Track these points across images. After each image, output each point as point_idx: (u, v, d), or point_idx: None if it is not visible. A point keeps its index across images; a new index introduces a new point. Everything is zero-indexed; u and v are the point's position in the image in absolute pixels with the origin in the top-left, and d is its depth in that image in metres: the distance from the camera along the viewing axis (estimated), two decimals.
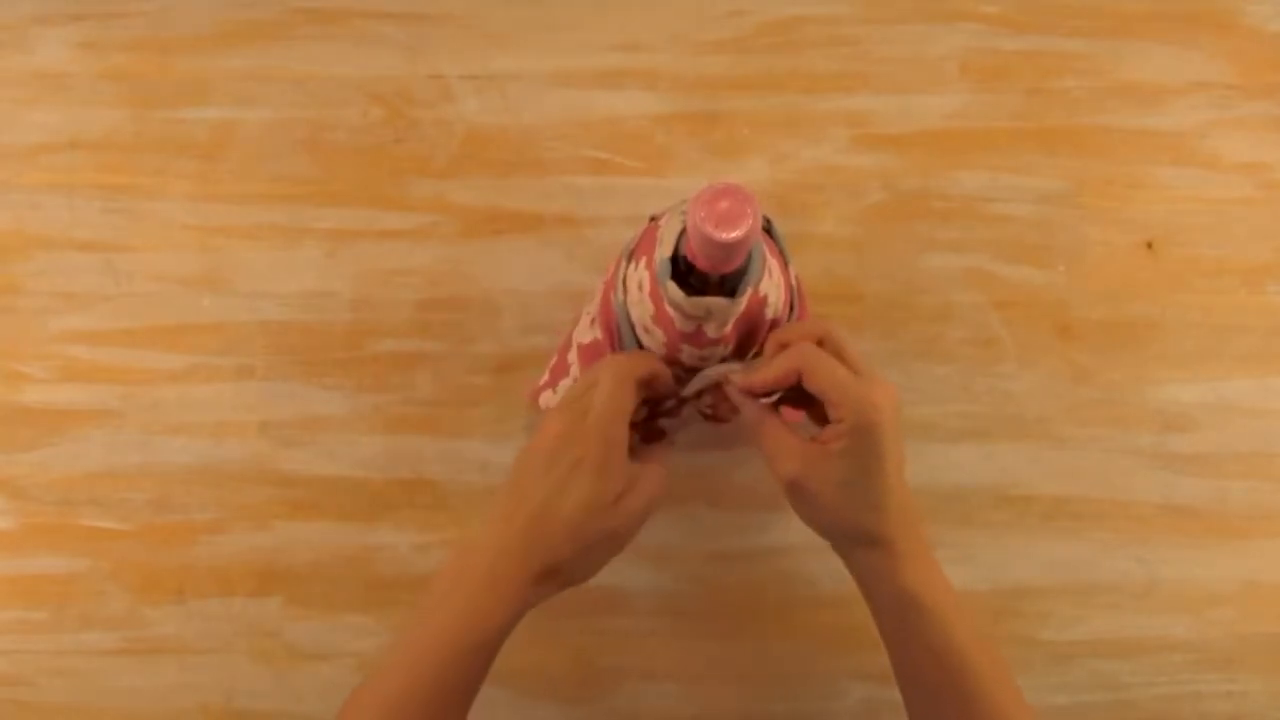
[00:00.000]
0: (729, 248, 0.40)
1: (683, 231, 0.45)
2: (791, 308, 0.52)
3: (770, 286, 0.47)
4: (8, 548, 0.62)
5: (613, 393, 0.48)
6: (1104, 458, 0.62)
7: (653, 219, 0.51)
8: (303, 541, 0.62)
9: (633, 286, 0.49)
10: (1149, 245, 0.65)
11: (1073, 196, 0.65)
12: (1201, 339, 0.64)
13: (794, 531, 0.61)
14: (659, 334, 0.49)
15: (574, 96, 0.66)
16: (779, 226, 0.52)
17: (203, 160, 0.66)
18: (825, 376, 0.47)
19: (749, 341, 0.50)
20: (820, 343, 0.48)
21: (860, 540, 0.49)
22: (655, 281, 0.46)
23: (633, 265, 0.50)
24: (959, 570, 0.61)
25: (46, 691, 0.61)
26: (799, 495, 0.49)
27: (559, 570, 0.48)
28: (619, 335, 0.53)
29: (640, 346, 0.52)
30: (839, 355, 0.47)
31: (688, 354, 0.50)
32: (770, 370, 0.49)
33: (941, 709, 0.48)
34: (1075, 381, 0.63)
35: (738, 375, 0.50)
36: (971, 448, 0.62)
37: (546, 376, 0.60)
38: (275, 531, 0.62)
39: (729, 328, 0.47)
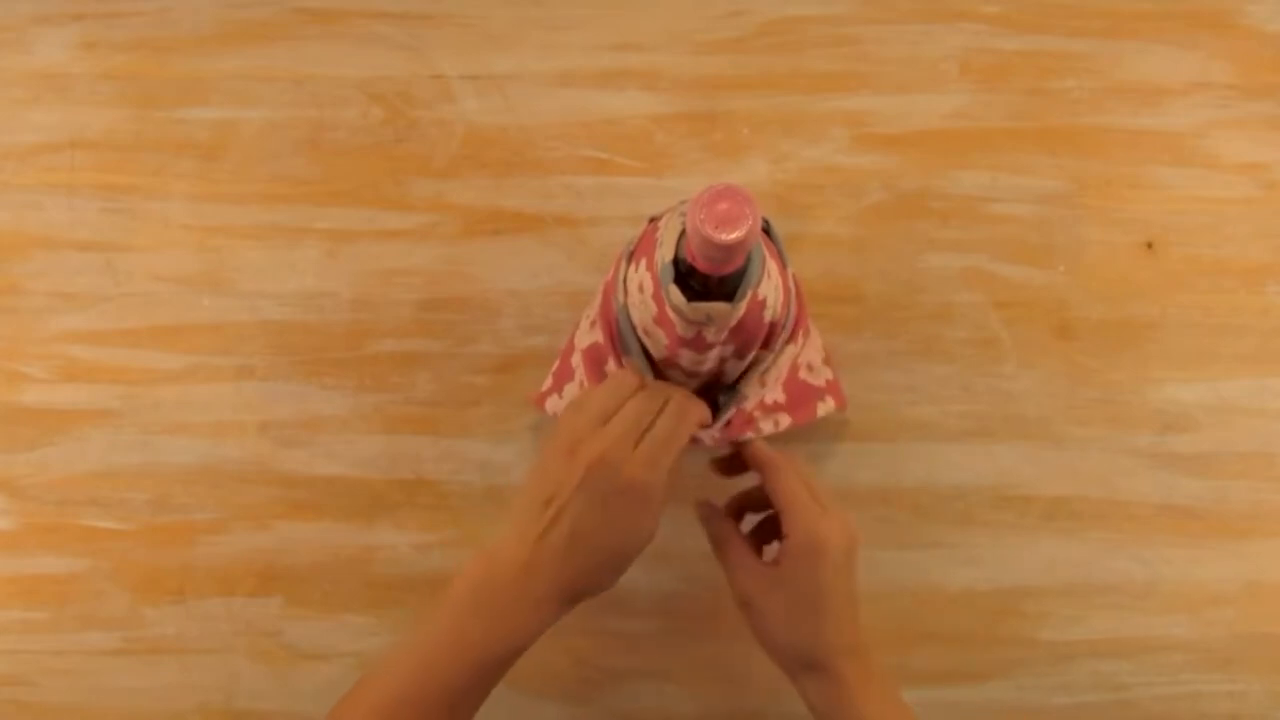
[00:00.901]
0: (729, 249, 0.40)
1: (683, 233, 0.45)
2: (789, 309, 0.52)
3: (769, 288, 0.47)
4: (8, 548, 0.62)
5: (679, 430, 0.48)
6: (1104, 458, 0.62)
7: (652, 220, 0.51)
8: (303, 541, 0.62)
9: (633, 288, 0.49)
10: (1149, 245, 0.65)
11: (1073, 196, 0.65)
12: (1201, 339, 0.63)
13: None
14: (660, 336, 0.49)
15: (574, 96, 0.66)
16: (778, 227, 0.52)
17: (203, 160, 0.66)
18: (785, 488, 0.49)
19: (748, 344, 0.50)
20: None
21: (806, 667, 0.49)
22: (658, 284, 0.46)
23: (633, 267, 0.50)
24: (959, 571, 0.61)
25: (46, 691, 0.61)
26: (750, 614, 0.51)
27: (591, 592, 0.48)
28: (619, 337, 0.53)
29: (642, 348, 0.52)
30: (815, 485, 0.50)
31: (687, 357, 0.50)
32: (748, 452, 0.52)
33: None
34: (1075, 381, 0.63)
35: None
36: (971, 448, 0.62)
37: (550, 381, 0.60)
38: (275, 531, 0.62)
39: (727, 331, 0.47)
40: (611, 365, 0.54)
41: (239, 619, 0.61)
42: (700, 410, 0.50)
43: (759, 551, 0.53)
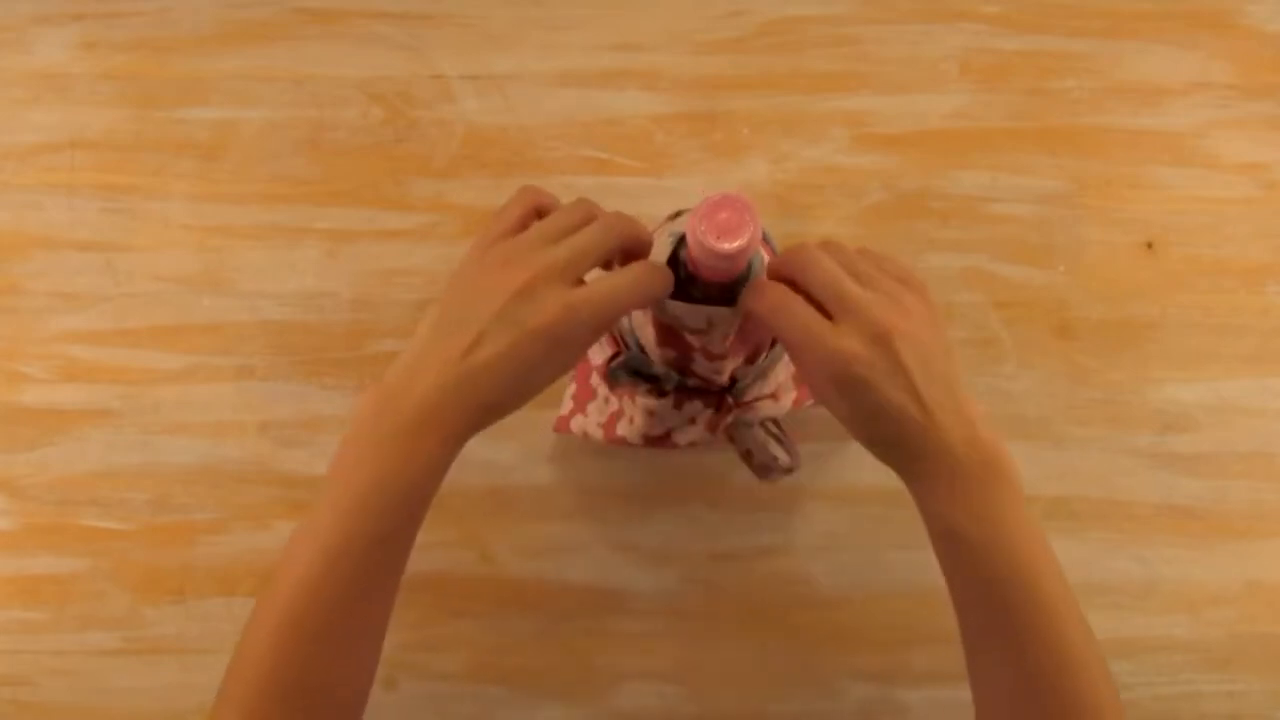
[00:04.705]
0: (731, 258, 0.41)
1: (679, 244, 0.45)
2: None
3: None
4: (8, 548, 0.62)
5: (603, 239, 0.42)
6: (1104, 458, 0.62)
7: None
8: None
9: (635, 310, 0.49)
10: (1149, 245, 0.65)
11: (1073, 196, 0.65)
12: (1201, 339, 0.63)
13: (794, 531, 0.61)
14: (670, 354, 0.49)
15: (574, 96, 0.66)
16: (778, 226, 0.52)
17: (203, 160, 0.66)
18: (788, 326, 0.42)
19: (758, 349, 0.51)
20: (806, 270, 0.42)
21: (886, 461, 0.45)
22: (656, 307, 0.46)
23: None
24: None
25: (46, 691, 0.61)
26: (822, 402, 0.45)
27: (497, 417, 0.43)
28: (629, 362, 0.53)
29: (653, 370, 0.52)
30: (826, 281, 0.42)
31: (703, 367, 0.50)
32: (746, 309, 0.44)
33: (988, 645, 0.44)
34: (1075, 381, 0.63)
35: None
36: None
37: (570, 404, 0.60)
38: (275, 531, 0.62)
39: (732, 337, 0.47)
40: None
41: (239, 619, 0.61)
42: (663, 282, 0.43)
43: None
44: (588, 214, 0.44)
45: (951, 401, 0.43)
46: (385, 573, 0.44)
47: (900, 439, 0.43)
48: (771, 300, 0.43)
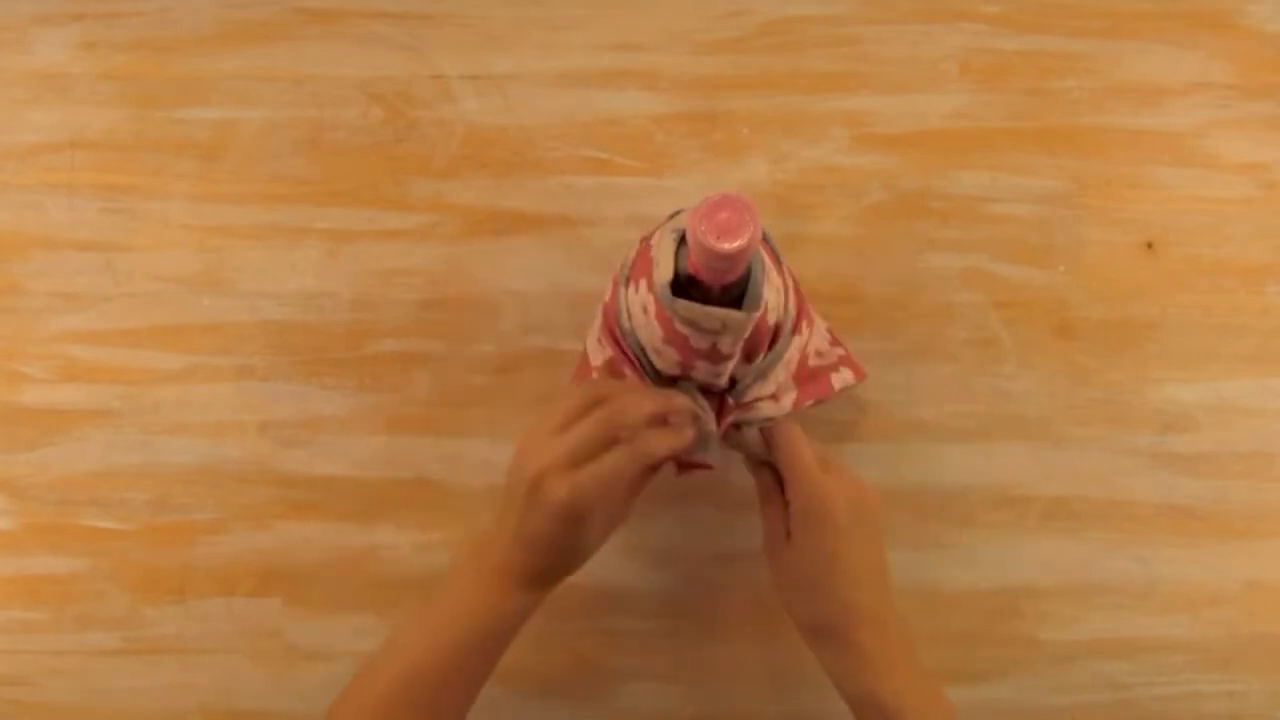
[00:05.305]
0: (731, 258, 0.40)
1: (679, 249, 0.45)
2: (789, 305, 0.52)
3: (769, 291, 0.47)
4: (8, 548, 0.62)
5: (626, 467, 0.47)
6: (1104, 458, 0.62)
7: (644, 240, 0.51)
8: (303, 541, 0.62)
9: (636, 310, 0.49)
10: (1149, 245, 0.65)
11: (1073, 196, 0.65)
12: (1201, 339, 0.63)
13: None
14: (672, 354, 0.49)
15: (574, 96, 0.66)
16: (778, 226, 0.52)
17: (203, 160, 0.66)
18: (790, 455, 0.49)
19: (756, 348, 0.50)
20: None
21: (819, 635, 0.49)
22: (660, 305, 0.46)
23: (632, 288, 0.50)
24: (959, 571, 0.61)
25: (46, 691, 0.61)
26: (774, 579, 0.51)
27: (547, 573, 0.49)
28: (632, 355, 0.53)
29: (653, 366, 0.52)
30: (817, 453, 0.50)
31: (703, 370, 0.50)
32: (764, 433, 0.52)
33: None
34: (1075, 381, 0.63)
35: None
36: (971, 448, 0.62)
37: None
38: (275, 531, 0.62)
39: (743, 340, 0.47)
40: (630, 374, 0.54)
41: (239, 619, 0.61)
42: (667, 443, 0.48)
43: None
44: (594, 400, 0.49)
45: (880, 580, 0.50)
46: (457, 694, 0.49)
47: (839, 597, 0.48)
48: (784, 432, 0.50)
